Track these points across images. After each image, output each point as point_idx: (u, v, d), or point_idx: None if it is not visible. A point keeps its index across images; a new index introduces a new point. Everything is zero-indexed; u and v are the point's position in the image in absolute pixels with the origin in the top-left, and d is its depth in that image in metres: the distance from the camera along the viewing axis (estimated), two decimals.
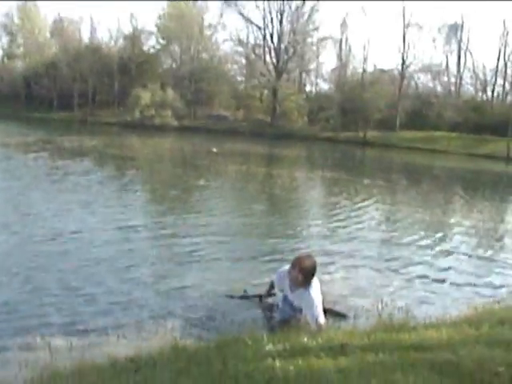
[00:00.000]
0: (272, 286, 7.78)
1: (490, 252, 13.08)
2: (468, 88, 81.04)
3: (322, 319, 6.86)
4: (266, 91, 79.77)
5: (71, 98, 74.26)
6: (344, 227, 14.74)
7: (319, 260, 7.46)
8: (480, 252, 12.92)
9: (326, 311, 7.17)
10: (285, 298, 7.25)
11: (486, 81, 78.29)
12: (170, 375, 4.62)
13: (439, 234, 14.96)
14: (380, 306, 7.92)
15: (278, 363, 4.70)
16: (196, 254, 10.71)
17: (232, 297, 8.12)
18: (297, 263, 6.90)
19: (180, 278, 9.11)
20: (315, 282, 7.02)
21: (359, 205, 19.20)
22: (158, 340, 6.29)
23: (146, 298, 8.01)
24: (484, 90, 78.85)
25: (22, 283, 8.35)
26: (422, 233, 14.87)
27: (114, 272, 9.21)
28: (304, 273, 6.86)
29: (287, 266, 7.19)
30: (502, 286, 10.09)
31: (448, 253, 12.43)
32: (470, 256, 12.31)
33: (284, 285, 7.22)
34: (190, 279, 9.01)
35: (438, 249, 12.83)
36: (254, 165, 34.13)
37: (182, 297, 8.14)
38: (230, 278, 9.11)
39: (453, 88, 78.95)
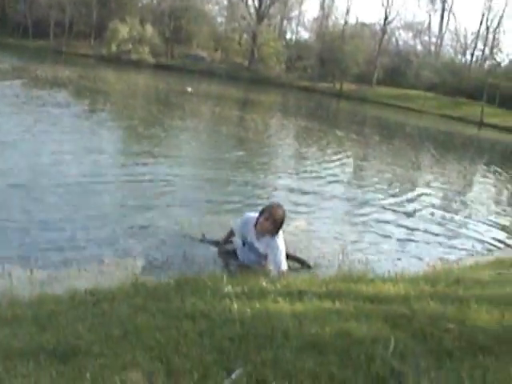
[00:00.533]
0: (231, 234, 7.81)
1: (454, 213, 13.30)
2: (448, 50, 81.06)
3: (284, 266, 6.98)
4: (245, 35, 78.90)
5: (47, 27, 72.35)
6: (313, 177, 14.83)
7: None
8: (445, 212, 13.13)
9: (290, 257, 7.29)
10: (250, 246, 7.30)
11: (466, 44, 78.36)
12: (128, 310, 4.66)
13: (407, 191, 15.17)
14: (341, 257, 8.01)
15: (235, 305, 4.76)
16: (162, 195, 10.72)
17: (191, 239, 8.14)
18: (269, 213, 6.98)
19: (144, 217, 9.07)
20: (281, 232, 7.12)
21: (330, 156, 19.28)
22: (118, 276, 6.30)
23: (108, 235, 7.99)
24: (463, 54, 78.96)
25: None
26: (390, 189, 15.04)
27: (80, 208, 9.13)
28: (275, 223, 6.96)
29: (252, 213, 7.25)
30: (462, 247, 10.29)
31: (414, 210, 12.63)
32: (434, 215, 12.51)
33: (248, 231, 7.27)
34: (155, 219, 8.99)
35: (404, 205, 13.03)
36: (229, 108, 33.92)
37: (144, 236, 8.12)
38: (195, 220, 9.13)
39: (433, 48, 78.87)
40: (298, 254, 7.84)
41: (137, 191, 10.78)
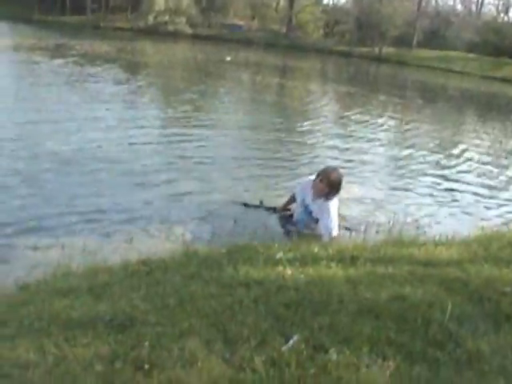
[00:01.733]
0: (292, 200, 7.79)
1: (502, 175, 13.08)
2: (490, 9, 79.06)
3: (335, 232, 6.95)
4: (282, 2, 78.01)
5: (84, 2, 72.25)
6: (359, 143, 14.73)
7: None
8: (493, 174, 12.94)
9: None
10: (306, 208, 7.28)
11: (509, 1, 76.18)
12: (181, 279, 4.68)
13: (454, 154, 14.97)
14: (391, 222, 7.95)
15: (288, 271, 4.76)
16: (211, 162, 10.75)
17: (246, 205, 8.15)
18: (324, 175, 6.94)
19: (193, 185, 9.14)
20: (336, 198, 7.07)
21: (375, 121, 19.10)
22: (169, 245, 6.35)
23: (157, 205, 8.05)
24: (506, 12, 76.84)
25: (36, 186, 8.39)
26: (437, 151, 14.87)
27: (126, 178, 9.21)
28: (330, 185, 6.92)
29: (311, 176, 7.20)
30: (510, 210, 10.12)
31: (462, 172, 12.51)
32: (482, 177, 12.36)
33: (306, 194, 7.26)
34: (203, 187, 9.06)
35: (452, 168, 12.92)
36: (269, 75, 33.69)
37: (194, 204, 8.19)
38: (243, 188, 9.15)
39: (474, 8, 77.07)
40: (347, 220, 7.81)
41: (184, 161, 10.76)
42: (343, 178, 7.09)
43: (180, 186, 9.03)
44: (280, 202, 8.07)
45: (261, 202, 8.16)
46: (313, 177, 7.17)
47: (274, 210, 7.97)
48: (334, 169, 7.20)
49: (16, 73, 21.70)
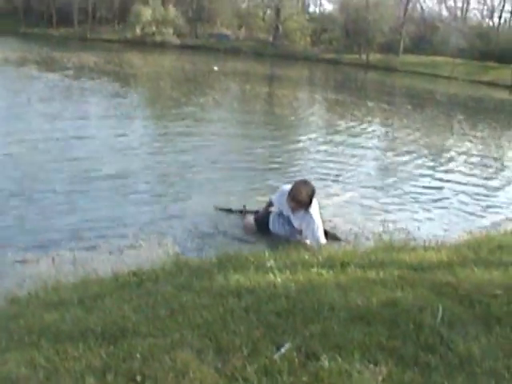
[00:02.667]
0: (270, 205, 7.71)
1: (489, 178, 13.13)
2: (475, 14, 79.46)
3: (323, 240, 6.92)
4: (268, 10, 78.15)
5: (70, 14, 72.03)
6: (349, 149, 14.74)
7: (321, 181, 7.43)
8: (480, 178, 12.96)
9: (326, 233, 7.20)
10: (286, 219, 7.24)
11: (493, 7, 76.59)
12: (172, 289, 4.67)
13: (442, 159, 14.99)
14: (380, 228, 7.95)
15: (279, 279, 4.76)
16: (197, 172, 10.71)
17: (230, 211, 8.18)
18: (293, 194, 6.87)
19: (180, 195, 9.11)
20: (314, 203, 7.02)
21: (364, 128, 19.16)
22: (160, 256, 6.30)
23: (146, 216, 7.99)
24: (491, 17, 77.22)
25: (26, 200, 8.32)
26: (426, 156, 14.91)
27: (114, 191, 9.14)
28: (300, 204, 6.89)
29: (288, 186, 7.16)
30: (499, 213, 10.15)
31: (451, 177, 12.50)
32: (471, 181, 12.37)
33: (283, 204, 7.19)
34: (190, 197, 9.02)
35: (440, 172, 12.96)
36: (258, 84, 33.65)
37: (182, 214, 8.13)
38: (231, 196, 9.10)
39: (459, 13, 77.39)
40: (336, 226, 7.80)
41: (173, 172, 10.70)
42: (313, 190, 6.94)
43: (168, 198, 8.96)
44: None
45: (244, 207, 8.20)
46: (288, 186, 7.11)
47: (256, 213, 7.93)
48: (303, 183, 7.02)
49: (4, 87, 21.59)
